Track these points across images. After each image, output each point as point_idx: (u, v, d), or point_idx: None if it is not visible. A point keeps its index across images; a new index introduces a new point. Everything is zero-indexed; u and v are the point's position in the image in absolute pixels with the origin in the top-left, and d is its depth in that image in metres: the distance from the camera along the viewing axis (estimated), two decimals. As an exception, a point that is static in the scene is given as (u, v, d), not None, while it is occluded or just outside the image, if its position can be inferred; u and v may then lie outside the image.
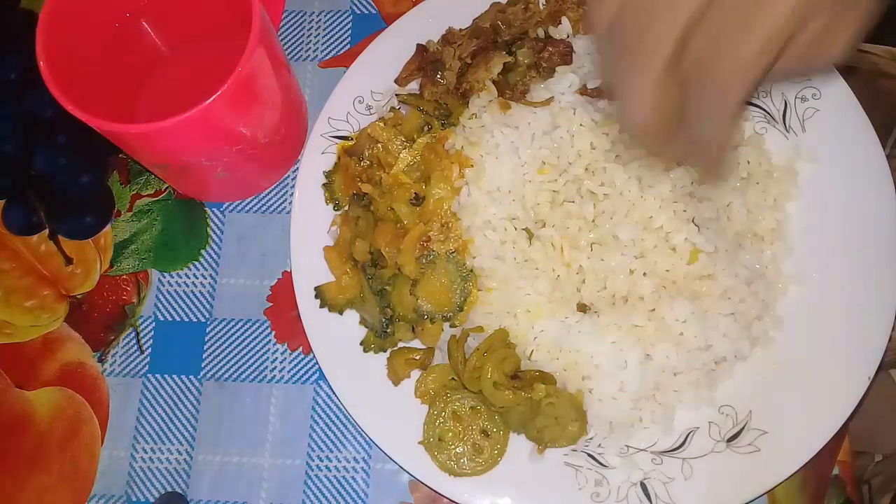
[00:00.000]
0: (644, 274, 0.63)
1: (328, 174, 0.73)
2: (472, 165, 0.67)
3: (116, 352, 0.75)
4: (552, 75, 0.69)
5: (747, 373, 0.65)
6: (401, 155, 0.70)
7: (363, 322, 0.69)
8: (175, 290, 0.77)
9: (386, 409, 0.66)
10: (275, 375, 0.73)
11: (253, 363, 0.74)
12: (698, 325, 0.62)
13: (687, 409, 0.64)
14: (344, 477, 0.70)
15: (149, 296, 0.77)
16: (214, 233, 0.78)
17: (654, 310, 0.63)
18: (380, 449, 0.66)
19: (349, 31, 0.83)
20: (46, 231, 0.79)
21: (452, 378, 0.66)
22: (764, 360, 0.65)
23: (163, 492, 0.70)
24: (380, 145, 0.70)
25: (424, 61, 0.74)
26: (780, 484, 0.62)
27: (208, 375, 0.74)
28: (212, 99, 0.60)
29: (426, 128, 0.71)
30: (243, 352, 0.74)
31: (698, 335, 0.62)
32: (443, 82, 0.72)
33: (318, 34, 0.84)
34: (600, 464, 0.64)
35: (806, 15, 0.40)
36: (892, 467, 0.82)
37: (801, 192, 0.69)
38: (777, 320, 0.66)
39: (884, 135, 0.78)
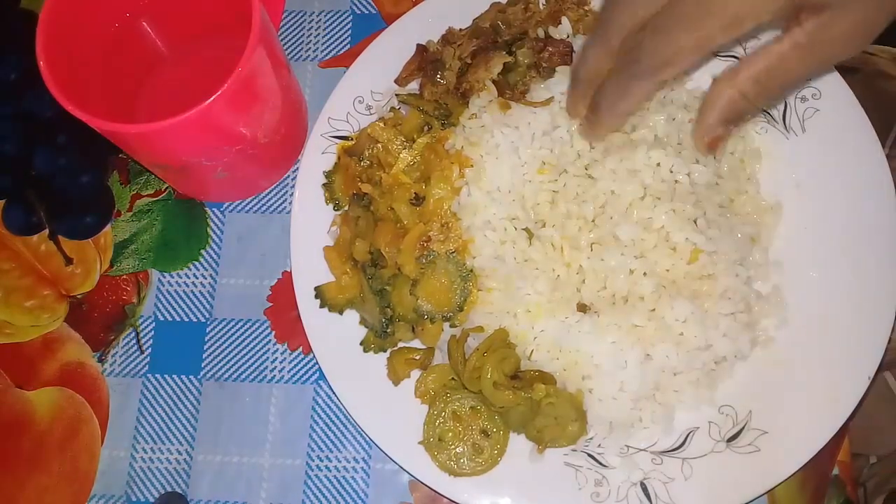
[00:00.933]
0: (644, 274, 0.63)
1: (328, 174, 0.73)
2: (472, 165, 0.67)
3: (116, 352, 0.75)
4: (552, 75, 0.69)
5: (747, 373, 0.65)
6: (401, 155, 0.70)
7: (363, 322, 0.69)
8: (175, 290, 0.77)
9: (386, 409, 0.66)
10: (275, 375, 0.73)
11: (253, 363, 0.74)
12: (698, 325, 0.62)
13: (687, 409, 0.64)
14: (344, 477, 0.70)
15: (149, 296, 0.77)
16: (214, 233, 0.78)
17: (654, 310, 0.63)
18: (380, 449, 0.66)
19: (349, 31, 0.84)
20: (46, 231, 0.79)
21: (452, 378, 0.66)
22: (764, 360, 0.65)
23: (163, 492, 0.70)
24: (380, 145, 0.71)
25: (424, 61, 0.74)
26: (780, 484, 0.62)
27: (208, 375, 0.74)
28: (212, 99, 0.60)
29: (426, 128, 0.71)
30: (243, 352, 0.74)
31: (698, 335, 0.62)
32: (443, 82, 0.72)
33: (318, 34, 0.84)
34: (600, 464, 0.64)
35: (744, 21, 0.48)
36: (886, 469, 0.82)
37: (801, 192, 0.69)
38: (777, 320, 0.66)
39: (884, 135, 0.78)
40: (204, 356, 0.74)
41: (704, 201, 0.65)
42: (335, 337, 0.69)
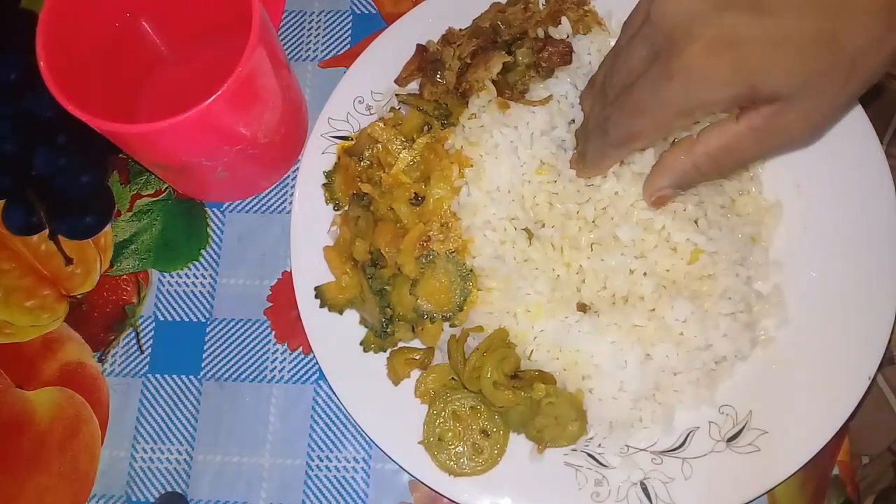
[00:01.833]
0: (644, 274, 0.63)
1: (328, 174, 0.73)
2: (471, 165, 0.67)
3: (116, 352, 0.75)
4: (552, 75, 0.69)
5: (747, 373, 0.65)
6: (401, 155, 0.70)
7: (363, 322, 0.69)
8: (175, 290, 0.77)
9: (386, 409, 0.66)
10: (275, 375, 0.73)
11: (253, 363, 0.74)
12: (698, 325, 0.62)
13: (687, 409, 0.64)
14: (344, 477, 0.70)
15: (149, 296, 0.77)
16: (214, 233, 0.78)
17: (654, 309, 0.63)
18: (380, 449, 0.66)
19: (349, 31, 0.84)
20: (46, 231, 0.79)
21: (452, 378, 0.66)
22: (764, 360, 0.65)
23: (163, 492, 0.70)
24: (380, 145, 0.71)
25: (424, 61, 0.74)
26: (780, 484, 0.62)
27: (208, 375, 0.74)
28: (212, 99, 0.60)
29: (426, 128, 0.71)
30: (243, 352, 0.74)
31: (698, 335, 0.62)
32: (442, 82, 0.72)
33: (318, 34, 0.84)
34: (600, 464, 0.64)
35: (694, 113, 0.51)
36: (877, 469, 0.82)
37: (801, 192, 0.69)
38: (777, 320, 0.66)
39: (883, 134, 0.78)
40: (204, 356, 0.74)
41: (706, 201, 0.65)
42: (335, 337, 0.69)
